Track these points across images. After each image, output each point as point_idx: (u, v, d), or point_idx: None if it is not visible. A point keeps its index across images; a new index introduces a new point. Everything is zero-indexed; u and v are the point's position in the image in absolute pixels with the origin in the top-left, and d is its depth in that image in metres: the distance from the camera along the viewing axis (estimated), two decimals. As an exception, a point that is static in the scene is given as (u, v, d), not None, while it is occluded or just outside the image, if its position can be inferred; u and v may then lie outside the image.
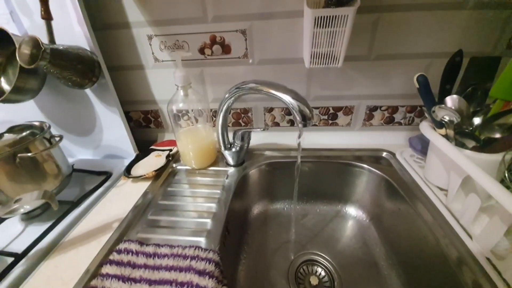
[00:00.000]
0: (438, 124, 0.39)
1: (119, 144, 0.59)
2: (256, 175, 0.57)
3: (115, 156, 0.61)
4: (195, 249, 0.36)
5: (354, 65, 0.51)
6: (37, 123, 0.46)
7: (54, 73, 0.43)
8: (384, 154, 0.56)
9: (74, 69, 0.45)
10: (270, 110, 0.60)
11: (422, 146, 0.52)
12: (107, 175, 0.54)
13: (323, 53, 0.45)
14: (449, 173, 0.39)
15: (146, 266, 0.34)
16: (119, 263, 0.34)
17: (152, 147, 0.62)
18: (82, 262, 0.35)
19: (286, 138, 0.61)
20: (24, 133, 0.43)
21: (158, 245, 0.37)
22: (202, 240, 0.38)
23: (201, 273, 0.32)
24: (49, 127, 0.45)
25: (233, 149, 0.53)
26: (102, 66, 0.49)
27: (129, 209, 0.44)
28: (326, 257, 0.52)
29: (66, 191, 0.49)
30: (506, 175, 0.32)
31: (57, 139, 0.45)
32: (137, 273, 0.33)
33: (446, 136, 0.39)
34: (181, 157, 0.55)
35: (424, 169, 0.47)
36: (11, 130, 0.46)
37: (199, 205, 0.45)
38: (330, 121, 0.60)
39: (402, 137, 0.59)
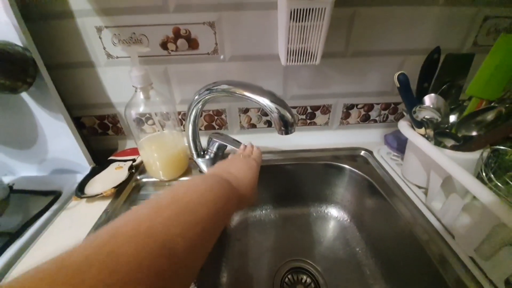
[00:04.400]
0: (418, 124, 0.39)
1: (68, 156, 0.50)
2: (233, 182, 0.53)
3: (66, 170, 0.52)
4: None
5: (331, 62, 0.49)
6: None
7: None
8: (362, 152, 0.55)
9: (4, 69, 0.35)
10: (246, 111, 0.56)
11: (398, 144, 0.53)
12: (55, 194, 0.45)
13: (300, 50, 0.41)
14: (429, 173, 0.39)
15: None
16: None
17: (111, 157, 0.53)
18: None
19: (264, 140, 0.58)
20: None
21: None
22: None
23: None
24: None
25: (207, 157, 0.48)
26: (38, 64, 0.40)
27: (84, 235, 0.37)
28: (311, 262, 0.50)
29: (1, 219, 0.40)
30: (483, 171, 0.32)
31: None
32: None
33: (425, 135, 0.38)
34: (146, 168, 0.49)
35: (402, 168, 0.47)
36: None
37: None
38: (308, 121, 0.58)
39: (378, 135, 0.59)
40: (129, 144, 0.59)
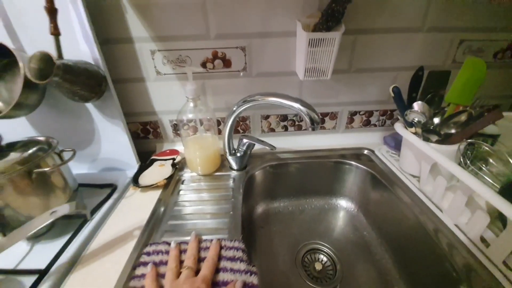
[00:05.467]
0: (409, 124, 0.49)
1: (119, 157, 0.59)
2: (258, 177, 0.62)
3: (114, 168, 0.61)
4: (222, 240, 0.39)
5: (338, 77, 0.60)
6: (42, 138, 0.46)
7: (64, 88, 0.44)
8: (366, 151, 0.66)
9: (83, 83, 0.45)
10: (267, 117, 0.66)
11: (395, 143, 0.63)
12: (112, 187, 0.54)
13: (315, 68, 0.52)
14: (420, 162, 0.49)
15: (181, 259, 0.37)
16: (154, 262, 0.36)
17: (154, 157, 0.63)
18: (110, 270, 0.36)
19: (281, 142, 0.68)
20: (31, 150, 0.42)
21: (185, 243, 0.39)
22: (224, 236, 0.42)
23: (232, 259, 0.36)
24: (57, 142, 0.45)
25: (238, 154, 0.58)
26: (108, 80, 0.50)
27: (145, 217, 0.46)
28: (326, 244, 0.58)
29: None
30: (461, 160, 0.42)
31: (70, 153, 0.45)
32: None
33: (415, 133, 0.49)
34: (188, 164, 0.58)
35: (399, 161, 0.57)
36: (11, 147, 0.45)
37: (213, 207, 0.49)
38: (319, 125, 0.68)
39: (377, 137, 0.70)
40: (166, 146, 0.68)
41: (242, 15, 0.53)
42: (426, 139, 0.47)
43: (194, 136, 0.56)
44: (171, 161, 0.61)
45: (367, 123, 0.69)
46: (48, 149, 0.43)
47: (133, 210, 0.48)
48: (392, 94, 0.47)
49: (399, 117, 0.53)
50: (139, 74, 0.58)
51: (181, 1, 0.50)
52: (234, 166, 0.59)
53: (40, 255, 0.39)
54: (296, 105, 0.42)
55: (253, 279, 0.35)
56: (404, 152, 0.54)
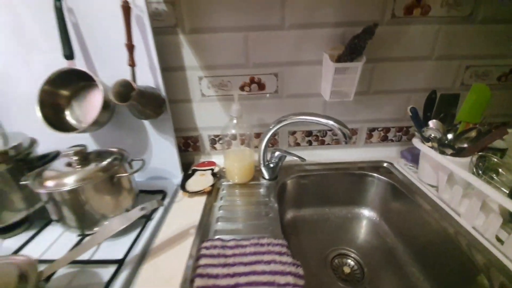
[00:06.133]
0: (426, 139, 0.56)
1: (166, 167, 0.68)
2: (288, 186, 0.69)
3: (160, 177, 0.69)
4: (267, 238, 0.46)
5: (358, 98, 0.68)
6: (115, 150, 0.54)
7: (135, 108, 0.53)
8: (385, 164, 0.72)
9: (150, 105, 0.55)
10: (293, 133, 0.75)
11: (411, 157, 0.69)
12: (163, 193, 0.62)
13: (340, 91, 0.61)
14: (437, 173, 0.55)
15: (234, 255, 0.43)
16: (212, 256, 0.43)
17: (194, 167, 0.71)
18: (176, 261, 0.43)
19: (306, 155, 0.73)
20: (108, 159, 0.50)
21: (236, 240, 0.46)
22: (267, 235, 0.48)
23: (279, 253, 0.43)
24: (128, 153, 0.54)
25: (271, 165, 0.65)
26: (166, 101, 0.60)
27: (197, 218, 0.53)
28: (352, 250, 0.63)
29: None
30: (474, 170, 0.48)
31: (139, 162, 0.53)
32: (230, 260, 0.42)
33: (432, 147, 0.55)
34: (227, 173, 0.66)
35: (418, 173, 0.63)
36: (86, 157, 0.53)
37: (253, 211, 0.56)
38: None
39: (394, 151, 0.76)
40: (203, 159, 0.77)
41: (276, 48, 0.63)
42: (442, 153, 0.54)
43: (233, 149, 0.64)
44: (210, 171, 0.69)
45: (384, 138, 0.76)
46: (121, 159, 0.51)
47: (185, 212, 0.56)
48: (410, 114, 0.55)
49: (416, 133, 0.60)
50: (187, 96, 0.68)
51: (227, 37, 0.61)
52: (266, 176, 0.67)
53: (108, 251, 0.46)
54: (330, 122, 0.50)
55: (299, 270, 0.41)
56: (422, 164, 0.60)
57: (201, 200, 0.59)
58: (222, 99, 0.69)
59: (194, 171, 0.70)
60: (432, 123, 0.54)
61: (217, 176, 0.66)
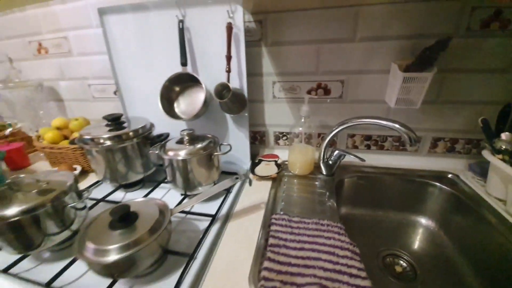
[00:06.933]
0: (497, 151, 0.56)
1: (238, 155, 0.82)
2: (345, 184, 0.75)
3: (233, 163, 0.83)
4: (327, 220, 0.54)
5: (425, 106, 0.70)
6: (209, 135, 0.70)
7: (226, 105, 0.68)
8: (450, 175, 0.71)
9: (238, 103, 0.69)
10: (352, 136, 0.80)
11: (480, 170, 0.67)
12: (236, 175, 0.75)
13: (406, 99, 0.65)
14: (507, 186, 0.54)
15: (298, 227, 0.53)
16: (280, 225, 0.53)
17: (260, 158, 0.83)
18: (254, 223, 0.55)
19: (365, 158, 0.79)
20: (205, 142, 0.66)
21: (299, 217, 0.55)
22: (327, 219, 0.56)
23: (338, 233, 0.50)
24: (218, 139, 0.69)
25: (330, 162, 0.73)
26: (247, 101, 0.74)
27: (265, 197, 0.64)
28: (405, 252, 0.66)
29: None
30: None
31: (227, 147, 0.68)
32: (295, 230, 0.52)
33: (503, 160, 0.55)
34: (289, 165, 0.76)
35: (486, 185, 0.62)
36: (192, 138, 0.69)
37: (312, 198, 0.64)
38: (401, 147, 0.78)
39: (461, 163, 0.74)
40: (266, 151, 0.89)
41: (345, 58, 0.70)
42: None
43: (298, 144, 0.73)
44: (274, 162, 0.80)
45: (451, 150, 0.75)
46: (215, 142, 0.66)
47: (255, 191, 0.68)
48: (481, 124, 0.55)
49: (486, 145, 0.59)
50: (261, 97, 0.81)
51: (301, 49, 0.72)
52: (324, 171, 0.74)
53: (203, 209, 0.61)
54: (396, 126, 0.55)
55: (356, 249, 0.48)
56: (491, 176, 0.59)
57: (267, 184, 0.71)
58: (290, 101, 0.80)
59: (260, 160, 0.82)
60: (504, 135, 0.53)
61: (280, 167, 0.77)
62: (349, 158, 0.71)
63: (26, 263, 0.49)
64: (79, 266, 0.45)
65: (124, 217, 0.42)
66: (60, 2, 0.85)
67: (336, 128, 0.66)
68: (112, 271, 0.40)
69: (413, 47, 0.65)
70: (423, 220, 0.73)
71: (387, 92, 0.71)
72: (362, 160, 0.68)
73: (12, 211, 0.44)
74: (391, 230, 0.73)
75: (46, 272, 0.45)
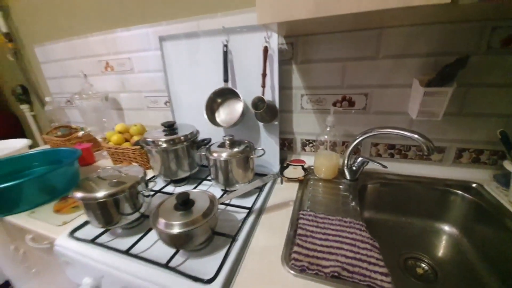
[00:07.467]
0: (520, 162, 0.59)
1: (269, 159, 0.91)
2: (368, 189, 0.81)
3: (263, 166, 0.93)
4: (350, 218, 0.61)
5: (449, 118, 0.74)
6: (246, 141, 0.81)
7: (260, 115, 0.79)
8: (474, 185, 0.73)
9: (271, 113, 0.80)
10: (376, 144, 0.86)
11: (506, 180, 0.69)
12: (272, 174, 0.85)
13: (428, 111, 0.70)
14: (531, 196, 0.56)
15: (323, 222, 0.60)
16: (307, 219, 0.61)
17: (288, 162, 0.92)
18: (284, 217, 0.64)
19: (388, 166, 0.84)
20: (242, 146, 0.77)
21: (324, 214, 0.63)
22: (349, 218, 0.63)
23: (359, 229, 0.57)
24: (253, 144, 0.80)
25: (353, 168, 0.79)
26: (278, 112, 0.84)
27: (293, 196, 0.73)
28: (427, 256, 0.69)
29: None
30: None
31: (261, 151, 0.79)
32: (320, 224, 0.60)
33: (526, 171, 0.58)
34: (315, 169, 0.84)
35: (508, 194, 0.64)
36: (232, 142, 0.81)
37: (336, 199, 0.71)
38: (425, 157, 0.82)
39: (486, 174, 0.76)
40: (293, 157, 0.97)
41: (369, 74, 0.78)
42: (538, 176, 0.56)
43: (323, 151, 0.81)
44: (301, 166, 0.88)
45: (476, 160, 0.77)
46: (250, 146, 0.77)
47: (284, 191, 0.77)
48: (499, 136, 0.59)
49: (508, 156, 0.62)
50: (290, 108, 0.91)
51: (328, 66, 0.81)
52: (348, 176, 0.81)
53: (239, 203, 0.71)
54: (415, 136, 0.61)
55: (376, 243, 0.54)
56: (515, 186, 0.62)
57: (295, 185, 0.79)
58: (316, 112, 0.89)
59: (288, 165, 0.91)
60: (527, 147, 0.56)
61: (307, 171, 0.85)
62: (372, 166, 0.77)
63: (105, 237, 0.63)
64: (148, 240, 0.58)
65: (185, 202, 0.54)
66: (125, 29, 1.05)
67: (360, 137, 0.73)
68: (175, 242, 0.52)
69: (434, 64, 0.71)
70: (446, 227, 0.75)
71: (409, 104, 0.76)
72: (385, 166, 0.74)
73: (100, 194, 0.58)
74: (413, 235, 0.76)
75: (121, 243, 0.59)
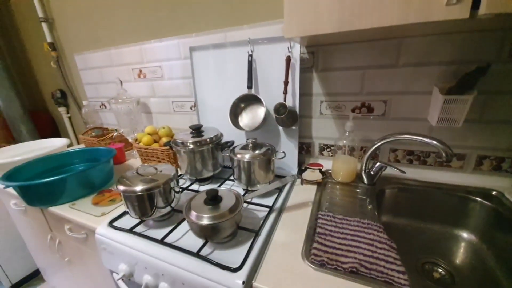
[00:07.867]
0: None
1: (287, 162, 0.96)
2: (386, 193, 0.83)
3: (282, 168, 0.97)
4: (367, 220, 0.63)
5: (469, 125, 0.75)
6: (267, 144, 0.86)
7: (282, 120, 0.84)
8: (494, 192, 0.73)
9: (292, 118, 0.85)
10: (394, 150, 0.88)
11: (531, 189, 0.68)
12: (292, 175, 0.89)
13: (448, 118, 0.71)
14: (556, 205, 0.56)
15: (342, 223, 0.63)
16: (326, 219, 0.65)
17: (306, 166, 0.96)
18: (303, 216, 0.68)
19: (406, 171, 0.86)
20: (264, 148, 0.82)
21: (342, 215, 0.66)
22: (367, 219, 0.65)
23: (377, 230, 0.60)
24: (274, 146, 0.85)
25: (371, 173, 0.82)
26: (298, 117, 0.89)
27: (311, 197, 0.77)
28: (444, 261, 0.70)
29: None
30: None
31: (282, 154, 0.83)
32: (339, 225, 0.63)
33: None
34: (333, 173, 0.87)
35: (534, 204, 0.64)
36: (255, 144, 0.87)
37: (353, 201, 0.74)
38: (445, 163, 0.82)
39: (507, 182, 0.75)
40: (311, 160, 1.01)
41: (388, 81, 0.80)
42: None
43: (343, 155, 0.84)
44: (319, 170, 0.91)
45: (497, 168, 0.77)
46: (272, 149, 0.82)
47: (303, 192, 0.81)
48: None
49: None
50: (309, 114, 0.95)
51: (348, 74, 0.84)
52: (366, 181, 0.83)
53: (260, 202, 0.76)
54: (434, 142, 0.63)
55: (393, 244, 0.56)
56: (539, 195, 0.61)
57: (313, 187, 0.83)
58: (335, 117, 0.92)
59: (306, 168, 0.94)
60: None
61: (324, 174, 0.88)
62: (390, 171, 0.79)
63: (140, 227, 0.70)
64: (180, 231, 0.64)
65: (214, 198, 0.60)
66: (158, 41, 1.15)
67: (378, 142, 0.76)
68: (205, 233, 0.58)
69: (454, 72, 0.72)
70: (464, 234, 0.75)
71: (429, 111, 0.77)
72: (403, 172, 0.76)
73: (138, 188, 0.65)
74: (430, 241, 0.77)
75: (155, 234, 0.65)
